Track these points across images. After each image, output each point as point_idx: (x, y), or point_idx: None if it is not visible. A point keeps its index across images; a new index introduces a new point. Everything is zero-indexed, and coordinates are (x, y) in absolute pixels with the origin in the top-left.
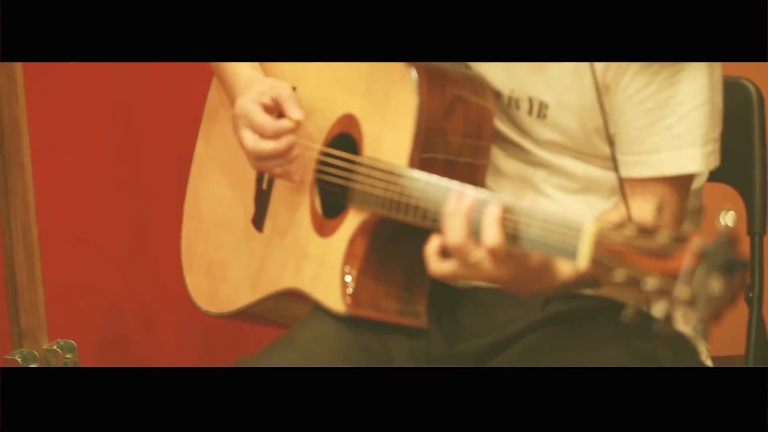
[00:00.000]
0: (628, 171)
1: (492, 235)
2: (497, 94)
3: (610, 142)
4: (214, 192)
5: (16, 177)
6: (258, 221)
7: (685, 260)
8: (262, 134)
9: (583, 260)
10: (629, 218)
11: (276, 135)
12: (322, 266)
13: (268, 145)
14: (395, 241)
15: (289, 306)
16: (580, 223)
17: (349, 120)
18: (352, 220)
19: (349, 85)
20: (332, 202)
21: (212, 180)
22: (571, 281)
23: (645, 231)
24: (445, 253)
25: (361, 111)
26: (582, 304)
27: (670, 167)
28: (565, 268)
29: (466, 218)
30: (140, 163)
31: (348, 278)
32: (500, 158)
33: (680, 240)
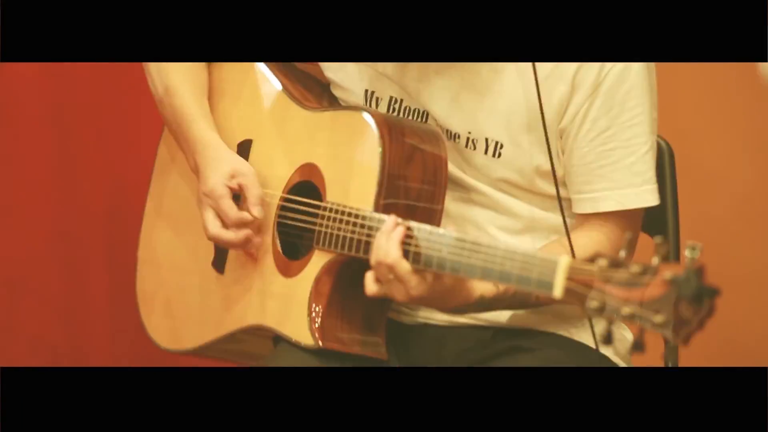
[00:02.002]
0: (588, 207)
1: (392, 252)
2: (455, 136)
3: (556, 182)
4: (170, 239)
5: None
6: (219, 264)
7: (657, 289)
8: (225, 221)
9: (558, 291)
10: (598, 252)
11: (237, 225)
12: (288, 304)
13: (228, 235)
14: (356, 279)
15: (247, 342)
16: (554, 258)
17: (310, 168)
18: (317, 261)
19: (308, 136)
20: (292, 244)
21: (167, 228)
22: (489, 297)
23: (617, 263)
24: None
25: (323, 160)
26: (534, 338)
27: (633, 201)
28: (480, 286)
29: (384, 240)
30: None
31: (315, 314)
32: (447, 200)
33: (651, 271)
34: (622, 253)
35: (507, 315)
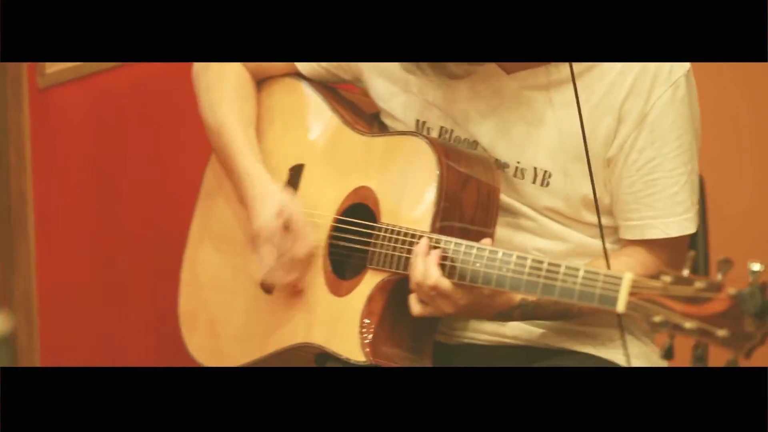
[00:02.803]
0: (636, 233)
1: (431, 273)
2: (504, 165)
3: (599, 210)
4: (215, 261)
5: (21, 247)
6: (267, 284)
7: (721, 304)
8: (281, 255)
9: (621, 306)
10: (663, 270)
11: (291, 258)
12: (338, 322)
13: (280, 272)
14: (406, 300)
15: (290, 361)
16: (618, 273)
17: (364, 191)
18: (370, 280)
19: (362, 160)
20: (341, 265)
21: (212, 250)
22: (532, 302)
23: (681, 280)
24: None
25: (377, 183)
26: (569, 357)
27: (676, 229)
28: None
29: (421, 261)
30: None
31: (366, 331)
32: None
33: (715, 287)
34: (686, 272)
35: (544, 335)
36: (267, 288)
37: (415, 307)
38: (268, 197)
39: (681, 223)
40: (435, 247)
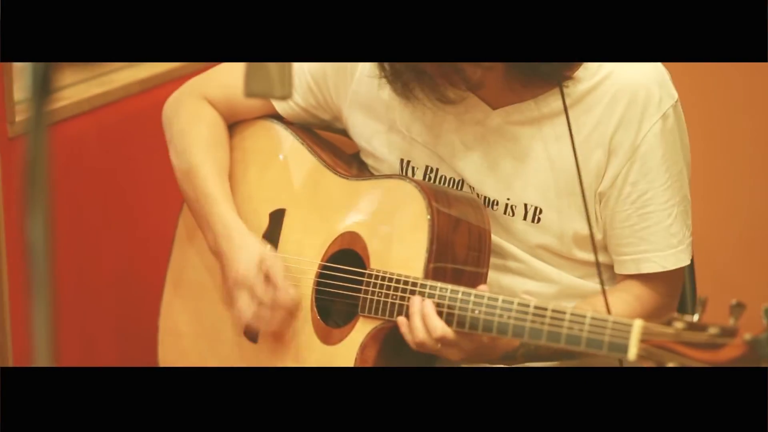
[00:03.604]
0: (632, 268)
1: (435, 326)
2: (493, 203)
3: (595, 245)
4: (195, 308)
5: None
6: (251, 333)
7: (736, 350)
8: (260, 303)
9: (632, 354)
10: (674, 316)
11: (272, 307)
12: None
13: (265, 318)
14: (402, 345)
15: None
16: (628, 320)
17: (351, 237)
18: (362, 328)
19: (346, 204)
20: (330, 313)
21: (192, 296)
22: (521, 345)
23: (694, 326)
24: None
25: (364, 228)
26: None
27: (672, 262)
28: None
29: (421, 318)
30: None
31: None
32: None
33: (729, 333)
34: (696, 317)
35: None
36: (252, 337)
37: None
38: (246, 247)
39: (677, 255)
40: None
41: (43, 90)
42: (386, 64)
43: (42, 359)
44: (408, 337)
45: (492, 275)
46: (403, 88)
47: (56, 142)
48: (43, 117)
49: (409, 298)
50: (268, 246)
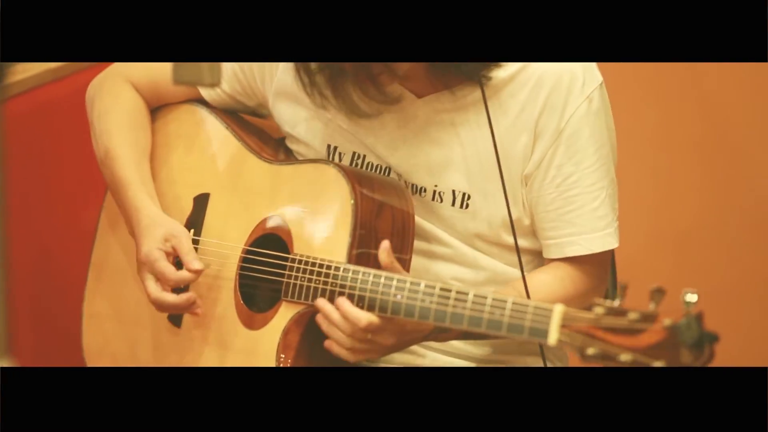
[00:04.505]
0: (555, 252)
1: (359, 317)
2: (421, 190)
3: (514, 230)
4: (119, 293)
5: None
6: (175, 318)
7: (656, 336)
8: (165, 283)
9: (553, 339)
10: (595, 301)
11: (177, 285)
12: (252, 356)
13: (169, 298)
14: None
15: None
16: (548, 305)
17: (275, 221)
18: (285, 313)
19: (270, 189)
20: (253, 297)
21: (116, 282)
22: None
23: (614, 311)
24: None
25: (288, 213)
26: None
27: (598, 245)
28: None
29: (337, 312)
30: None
31: (282, 365)
32: None
33: (649, 318)
34: (617, 302)
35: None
36: (175, 321)
37: (350, 355)
38: (155, 226)
39: (604, 238)
40: (350, 288)
41: None
42: (304, 75)
43: None
44: (336, 336)
45: (421, 261)
46: (320, 98)
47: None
48: None
49: (332, 282)
50: (179, 226)
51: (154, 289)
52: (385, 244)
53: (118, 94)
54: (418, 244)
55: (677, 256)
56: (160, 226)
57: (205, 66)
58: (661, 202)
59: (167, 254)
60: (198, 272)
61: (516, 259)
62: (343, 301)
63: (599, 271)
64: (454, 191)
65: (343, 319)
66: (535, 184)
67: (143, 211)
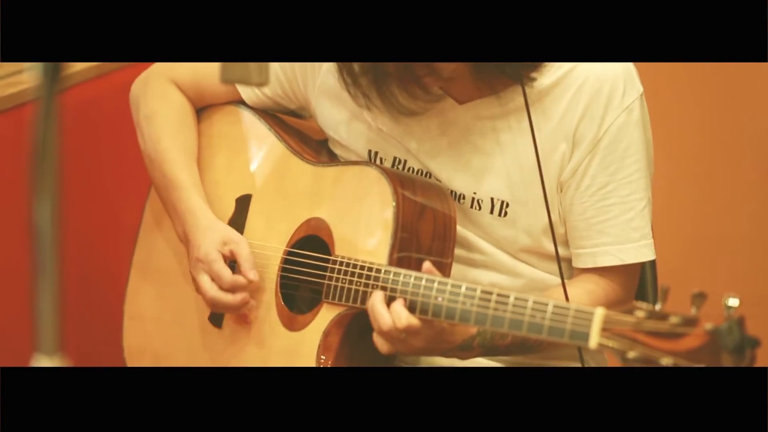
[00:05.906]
0: (588, 261)
1: (402, 316)
2: (460, 197)
3: (554, 236)
4: (160, 293)
5: None
6: (216, 318)
7: (697, 340)
8: (220, 285)
9: (594, 342)
10: (635, 305)
11: (232, 288)
12: (293, 357)
13: (226, 298)
14: (365, 332)
15: None
16: (589, 309)
17: (317, 223)
18: (326, 314)
19: (313, 191)
20: (294, 299)
21: (157, 284)
22: (488, 333)
23: (655, 315)
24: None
25: (330, 215)
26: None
27: (632, 256)
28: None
29: (384, 307)
30: None
31: (323, 367)
32: None
33: (690, 322)
34: (659, 306)
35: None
36: (216, 322)
37: (384, 346)
38: (212, 229)
39: (638, 250)
40: (391, 290)
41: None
42: (347, 76)
43: (47, 347)
44: (375, 325)
45: (459, 268)
46: (364, 98)
47: (18, 127)
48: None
49: (372, 285)
50: (237, 233)
51: (211, 287)
52: (427, 265)
53: (164, 95)
54: (456, 250)
55: (715, 261)
56: (218, 230)
57: (253, 65)
58: (700, 207)
59: (224, 257)
60: (252, 282)
61: (553, 266)
62: (397, 301)
63: (629, 282)
64: (492, 199)
65: (389, 314)
66: (569, 192)
67: (199, 212)
